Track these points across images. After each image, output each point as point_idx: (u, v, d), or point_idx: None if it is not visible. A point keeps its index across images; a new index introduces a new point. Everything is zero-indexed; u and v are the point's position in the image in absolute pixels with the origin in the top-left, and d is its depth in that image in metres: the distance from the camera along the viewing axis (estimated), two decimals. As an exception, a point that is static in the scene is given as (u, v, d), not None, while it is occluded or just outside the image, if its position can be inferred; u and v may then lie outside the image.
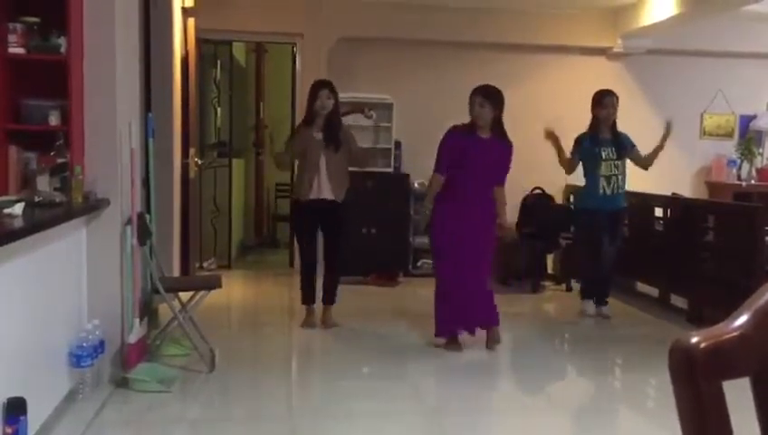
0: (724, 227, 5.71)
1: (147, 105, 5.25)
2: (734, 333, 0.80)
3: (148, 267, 4.29)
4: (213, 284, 4.51)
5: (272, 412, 3.79)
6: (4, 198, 3.30)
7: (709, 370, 0.77)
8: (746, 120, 8.52)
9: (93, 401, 3.60)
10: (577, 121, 5.84)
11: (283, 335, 5.40)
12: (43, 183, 3.54)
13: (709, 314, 5.50)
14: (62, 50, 3.63)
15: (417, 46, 7.83)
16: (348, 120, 6.20)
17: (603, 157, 5.64)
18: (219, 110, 8.29)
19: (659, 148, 5.68)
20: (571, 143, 5.78)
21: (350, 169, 5.43)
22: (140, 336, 4.08)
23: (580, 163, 5.79)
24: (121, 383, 3.85)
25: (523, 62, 8.09)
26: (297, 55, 7.73)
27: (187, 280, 5.63)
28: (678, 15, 6.83)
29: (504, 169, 4.88)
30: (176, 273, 5.98)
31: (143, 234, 4.16)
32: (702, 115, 8.51)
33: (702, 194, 8.35)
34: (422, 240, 7.63)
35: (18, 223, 2.84)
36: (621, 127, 5.80)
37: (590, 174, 5.73)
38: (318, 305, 5.40)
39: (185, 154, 6.40)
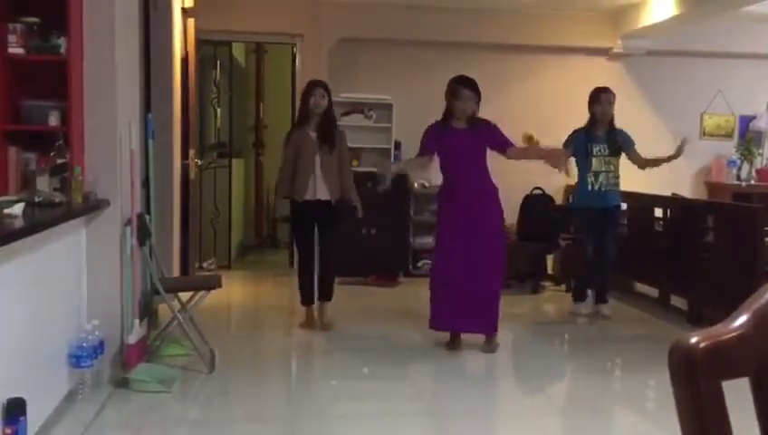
0: (724, 228, 5.71)
1: (146, 106, 5.25)
2: (734, 334, 0.80)
3: (148, 268, 4.29)
4: (213, 284, 4.51)
5: (271, 413, 3.79)
6: (4, 198, 3.29)
7: (709, 370, 0.77)
8: (746, 121, 8.52)
9: (93, 402, 3.60)
10: (577, 122, 5.84)
11: (283, 335, 5.40)
12: (43, 183, 3.54)
13: (709, 314, 5.49)
14: (62, 50, 3.63)
15: (417, 47, 7.83)
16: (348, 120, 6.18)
17: (594, 153, 5.65)
18: (219, 110, 8.29)
19: (664, 161, 5.65)
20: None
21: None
22: (140, 337, 4.07)
23: (575, 161, 5.80)
24: (121, 384, 3.85)
25: (523, 62, 8.09)
26: (297, 56, 7.73)
27: (187, 280, 5.63)
28: (678, 16, 6.83)
29: (498, 140, 4.80)
30: (175, 273, 5.98)
31: (143, 234, 4.16)
32: (702, 115, 8.51)
33: (702, 194, 8.35)
34: (422, 241, 7.65)
35: (18, 223, 2.83)
36: (622, 127, 5.79)
37: (581, 170, 5.75)
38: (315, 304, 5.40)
39: (184, 155, 6.39)
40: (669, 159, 5.63)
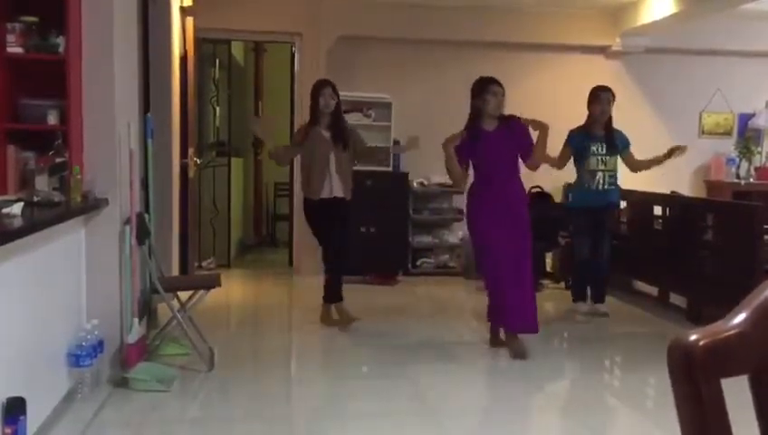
0: (723, 226, 5.71)
1: (145, 105, 5.25)
2: (733, 331, 0.80)
3: (147, 267, 4.29)
4: (212, 283, 4.51)
5: (271, 412, 3.78)
6: (3, 197, 3.29)
7: (708, 368, 0.77)
8: (745, 119, 8.52)
9: (92, 401, 3.60)
10: (575, 120, 5.84)
11: (283, 335, 5.40)
12: (42, 183, 3.54)
13: (708, 312, 5.50)
14: (61, 49, 3.63)
15: (417, 45, 7.83)
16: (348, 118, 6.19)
17: (591, 152, 5.65)
18: (218, 109, 8.29)
19: (657, 162, 5.62)
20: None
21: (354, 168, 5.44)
22: (139, 336, 4.07)
23: (573, 160, 5.79)
24: (121, 383, 3.85)
25: (523, 60, 8.09)
26: (296, 54, 7.73)
27: (186, 279, 5.63)
28: (677, 14, 6.84)
29: (527, 143, 4.73)
30: (175, 272, 5.98)
31: (142, 233, 4.16)
32: (701, 114, 8.51)
33: (701, 193, 8.35)
34: (421, 239, 7.66)
35: (17, 223, 2.83)
36: (620, 126, 5.80)
37: (579, 169, 5.75)
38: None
39: (183, 154, 6.39)
40: (658, 160, 5.58)
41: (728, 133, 8.58)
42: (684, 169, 8.36)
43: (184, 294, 4.49)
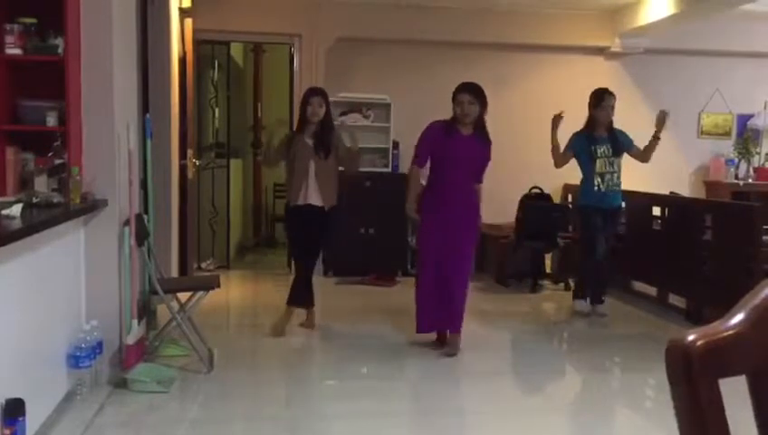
0: (722, 227, 5.72)
1: (144, 106, 5.24)
2: (731, 332, 0.80)
3: (147, 268, 4.29)
4: (211, 284, 4.50)
5: (270, 412, 3.79)
6: (2, 198, 3.30)
7: (706, 368, 0.77)
8: (744, 119, 8.53)
9: (92, 402, 3.60)
10: (575, 120, 5.84)
11: (282, 335, 5.39)
12: (41, 184, 3.54)
13: (707, 313, 5.51)
14: (60, 51, 3.63)
15: (415, 46, 7.83)
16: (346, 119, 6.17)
17: (598, 154, 5.66)
18: (217, 110, 8.28)
19: (655, 138, 5.67)
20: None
21: (344, 171, 5.40)
22: (139, 337, 4.07)
23: (576, 162, 5.80)
24: (120, 384, 3.85)
25: (521, 61, 8.10)
26: (295, 56, 7.73)
27: (186, 280, 5.63)
28: (676, 15, 6.85)
29: (483, 166, 4.87)
30: (174, 273, 5.97)
31: (141, 234, 4.16)
32: (699, 114, 8.52)
33: (700, 193, 8.36)
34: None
35: (16, 224, 2.83)
36: (620, 126, 5.80)
37: (586, 171, 5.75)
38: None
39: (182, 155, 6.39)
40: (656, 137, 5.66)
41: (727, 134, 8.59)
42: (683, 169, 8.38)
43: (183, 296, 4.48)
